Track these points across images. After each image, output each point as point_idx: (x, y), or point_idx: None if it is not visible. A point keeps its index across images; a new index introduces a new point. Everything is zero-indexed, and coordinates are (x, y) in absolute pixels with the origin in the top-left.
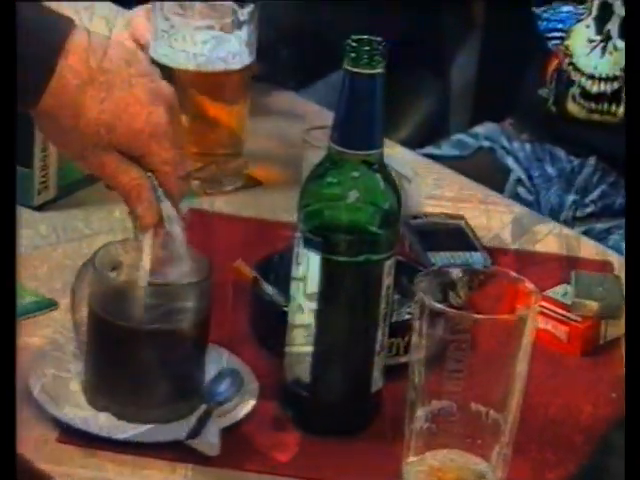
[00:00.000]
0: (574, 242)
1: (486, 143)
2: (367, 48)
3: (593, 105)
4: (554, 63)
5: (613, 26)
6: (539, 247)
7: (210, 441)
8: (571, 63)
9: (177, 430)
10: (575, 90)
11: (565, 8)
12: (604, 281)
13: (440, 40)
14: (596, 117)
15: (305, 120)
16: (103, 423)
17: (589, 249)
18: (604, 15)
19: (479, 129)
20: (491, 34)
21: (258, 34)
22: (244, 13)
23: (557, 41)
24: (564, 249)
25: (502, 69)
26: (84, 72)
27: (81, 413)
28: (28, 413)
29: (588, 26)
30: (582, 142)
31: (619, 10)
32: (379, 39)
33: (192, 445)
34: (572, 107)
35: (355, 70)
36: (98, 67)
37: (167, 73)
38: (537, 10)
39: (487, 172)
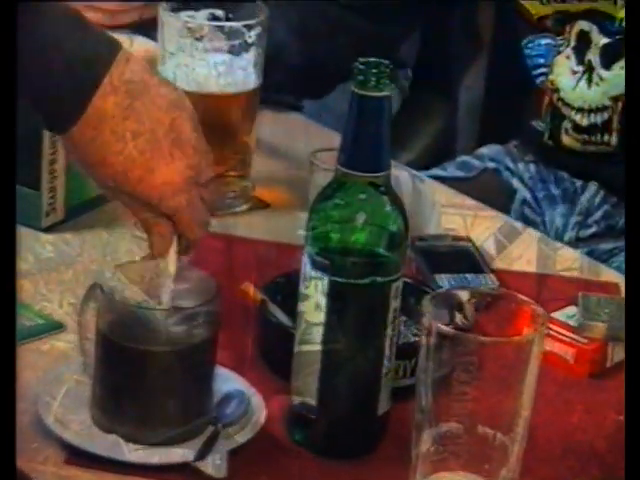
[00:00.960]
0: (580, 264)
1: (491, 164)
2: (374, 71)
3: (586, 137)
4: (546, 99)
5: (594, 56)
6: (544, 269)
7: (217, 463)
8: (560, 98)
9: (184, 452)
10: (567, 124)
11: (544, 41)
12: (611, 303)
13: (448, 62)
14: (591, 148)
15: (312, 142)
16: (110, 445)
17: (595, 271)
18: (583, 44)
19: (484, 150)
20: (498, 56)
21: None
22: (252, 35)
23: (542, 77)
24: (571, 271)
25: (509, 92)
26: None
27: (88, 434)
28: (35, 434)
29: (568, 57)
30: (580, 171)
31: (596, 38)
32: (386, 62)
33: (199, 467)
34: (566, 140)
35: (362, 93)
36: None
37: None
38: (523, 47)
39: (493, 193)
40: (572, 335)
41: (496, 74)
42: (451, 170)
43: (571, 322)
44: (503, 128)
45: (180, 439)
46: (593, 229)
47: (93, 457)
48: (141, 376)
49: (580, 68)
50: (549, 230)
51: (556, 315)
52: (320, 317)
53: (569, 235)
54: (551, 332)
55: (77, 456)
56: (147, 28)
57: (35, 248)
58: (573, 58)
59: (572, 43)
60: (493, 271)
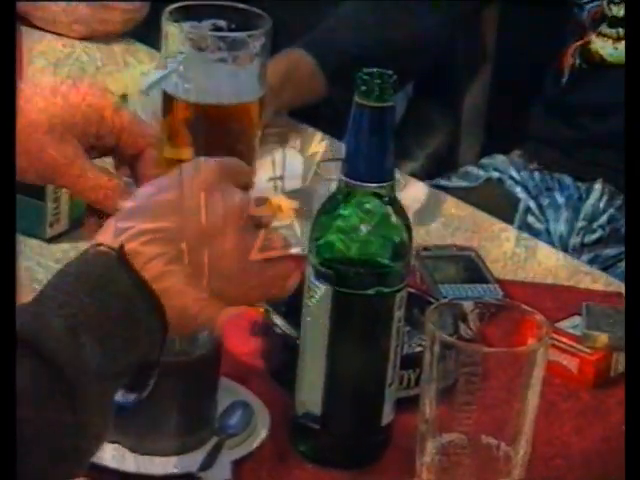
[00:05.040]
0: (584, 273)
1: (495, 174)
2: (378, 81)
3: (621, 30)
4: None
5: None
6: (549, 278)
7: (221, 474)
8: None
9: (189, 462)
10: (604, 28)
11: None
12: (615, 313)
13: (452, 73)
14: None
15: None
16: (114, 455)
17: (599, 280)
18: None
19: (487, 161)
20: (502, 66)
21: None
22: (256, 46)
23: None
24: (573, 280)
25: (513, 101)
26: None
27: None
28: None
29: None
30: (587, 165)
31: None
32: (389, 72)
33: (203, 478)
34: (599, 47)
35: (366, 103)
36: None
37: (179, 106)
38: None
39: (496, 202)
40: (576, 345)
41: (500, 83)
42: (455, 180)
43: (575, 332)
44: (507, 137)
45: (184, 449)
46: (598, 234)
47: (97, 468)
48: None
49: None
50: (553, 238)
51: (560, 325)
52: (324, 327)
53: (574, 241)
54: (555, 342)
55: None
56: (147, 33)
57: (38, 263)
58: None
59: None
60: (497, 281)
